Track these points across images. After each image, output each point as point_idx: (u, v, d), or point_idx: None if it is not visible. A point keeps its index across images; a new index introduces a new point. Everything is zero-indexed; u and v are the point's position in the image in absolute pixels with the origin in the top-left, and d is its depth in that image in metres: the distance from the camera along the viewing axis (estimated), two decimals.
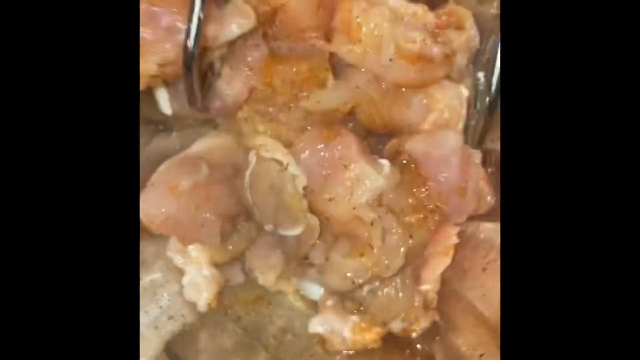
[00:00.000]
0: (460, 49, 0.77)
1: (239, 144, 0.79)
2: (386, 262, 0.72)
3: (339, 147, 0.74)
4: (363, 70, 0.76)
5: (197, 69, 0.69)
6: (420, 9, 0.76)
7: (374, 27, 0.74)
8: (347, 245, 0.74)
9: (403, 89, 0.77)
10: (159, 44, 0.68)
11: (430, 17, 0.76)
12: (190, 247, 0.76)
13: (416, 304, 0.75)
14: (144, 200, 0.73)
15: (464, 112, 0.79)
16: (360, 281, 0.74)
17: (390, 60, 0.74)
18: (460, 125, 0.79)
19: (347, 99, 0.76)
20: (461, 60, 0.78)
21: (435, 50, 0.74)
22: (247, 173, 0.75)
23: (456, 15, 0.77)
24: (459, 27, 0.77)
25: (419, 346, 0.79)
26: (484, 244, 0.77)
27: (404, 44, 0.74)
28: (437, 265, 0.75)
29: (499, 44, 0.65)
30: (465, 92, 0.79)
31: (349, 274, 0.73)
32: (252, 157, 0.75)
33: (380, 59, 0.74)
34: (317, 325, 0.78)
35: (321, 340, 0.79)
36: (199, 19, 0.64)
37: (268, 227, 0.77)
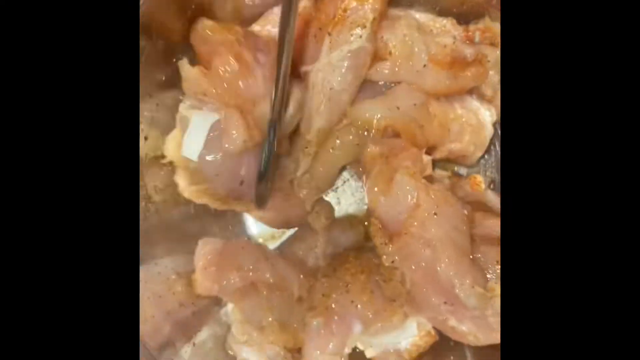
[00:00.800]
0: (494, 65, 0.75)
1: None
2: None
3: None
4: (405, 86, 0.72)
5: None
6: (449, 22, 0.75)
7: (403, 38, 0.71)
8: None
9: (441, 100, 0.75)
10: None
11: (459, 30, 0.75)
12: None
13: None
14: None
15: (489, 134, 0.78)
16: None
17: (424, 66, 0.71)
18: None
19: (383, 115, 0.71)
20: (494, 77, 0.75)
21: (469, 51, 0.72)
22: None
23: (491, 31, 0.75)
24: (494, 44, 0.76)
25: None
26: None
27: (435, 48, 0.72)
28: None
29: None
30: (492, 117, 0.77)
31: None
32: None
33: (413, 67, 0.71)
34: None
35: None
36: None
37: None
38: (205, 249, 0.73)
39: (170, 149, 0.73)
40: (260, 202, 0.75)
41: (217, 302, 0.74)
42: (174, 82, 0.72)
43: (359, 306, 0.69)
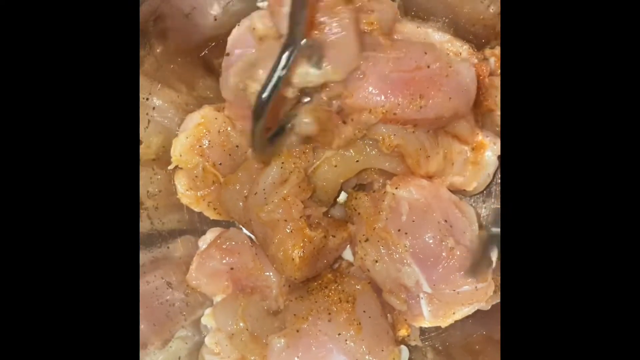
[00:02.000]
0: None
1: None
2: None
3: None
4: None
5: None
6: (465, 50, 0.72)
7: None
8: None
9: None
10: None
11: (473, 56, 0.72)
12: None
13: None
14: None
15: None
16: None
17: None
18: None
19: (398, 134, 0.68)
20: None
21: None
22: None
23: None
24: None
25: None
26: None
27: None
28: None
29: None
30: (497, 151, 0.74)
31: None
32: None
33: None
34: None
35: None
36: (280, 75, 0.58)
37: None
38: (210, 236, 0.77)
39: (176, 151, 0.74)
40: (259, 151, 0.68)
41: (200, 304, 0.76)
42: (173, 85, 0.72)
43: (347, 341, 0.67)
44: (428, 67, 0.66)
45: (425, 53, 0.67)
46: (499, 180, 0.79)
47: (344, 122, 0.68)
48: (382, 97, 0.66)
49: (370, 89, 0.66)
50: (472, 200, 0.80)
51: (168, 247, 0.76)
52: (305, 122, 0.66)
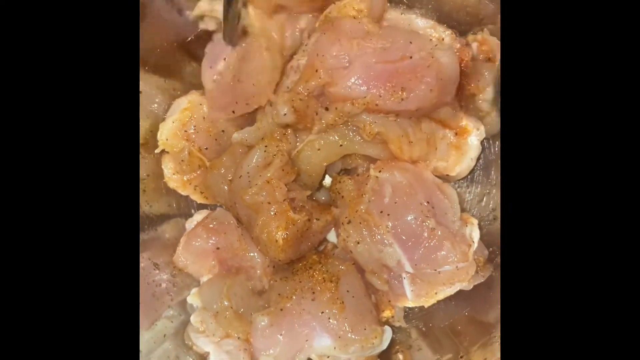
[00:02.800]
0: (490, 81, 0.72)
1: None
2: None
3: None
4: None
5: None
6: (448, 36, 0.73)
7: None
8: None
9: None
10: None
11: (456, 43, 0.73)
12: None
13: None
14: None
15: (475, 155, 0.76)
16: None
17: None
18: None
19: (380, 122, 0.69)
20: (490, 93, 0.73)
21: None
22: None
23: (488, 45, 0.73)
24: (490, 59, 0.73)
25: None
26: None
27: None
28: None
29: None
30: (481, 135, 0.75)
31: None
32: None
33: None
34: None
35: None
36: None
37: None
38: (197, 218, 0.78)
39: (163, 135, 0.74)
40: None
41: (187, 285, 0.77)
42: (159, 71, 0.72)
43: (330, 319, 0.68)
44: (411, 57, 0.67)
45: (411, 42, 0.67)
46: (483, 166, 0.80)
47: (326, 109, 0.69)
48: (365, 88, 0.67)
49: (354, 79, 0.67)
50: (457, 185, 0.81)
51: (156, 230, 0.77)
52: (282, 112, 0.67)
